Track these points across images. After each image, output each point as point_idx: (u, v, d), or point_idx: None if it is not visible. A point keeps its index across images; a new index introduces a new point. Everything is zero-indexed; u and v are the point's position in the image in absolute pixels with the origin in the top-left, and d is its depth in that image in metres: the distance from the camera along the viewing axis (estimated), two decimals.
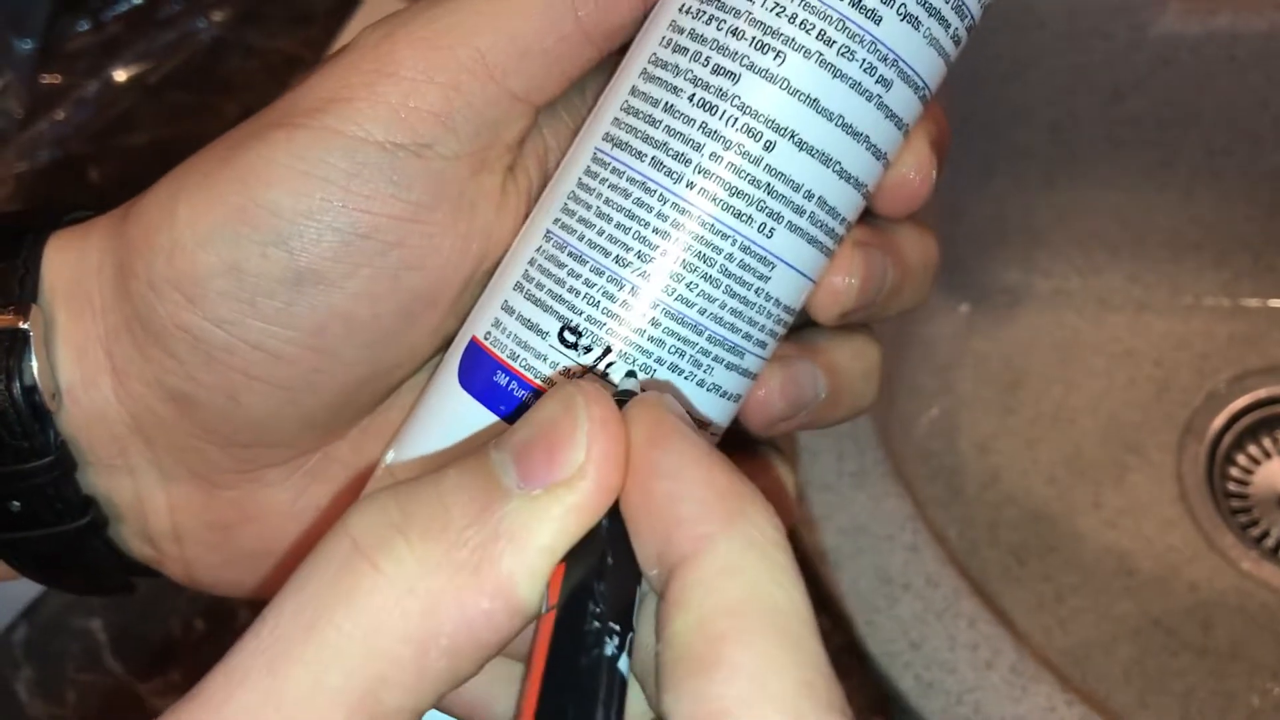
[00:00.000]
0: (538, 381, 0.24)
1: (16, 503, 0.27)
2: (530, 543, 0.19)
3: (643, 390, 0.24)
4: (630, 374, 0.24)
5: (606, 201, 0.24)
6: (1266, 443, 0.62)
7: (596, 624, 0.20)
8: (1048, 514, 0.62)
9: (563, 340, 0.24)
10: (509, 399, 0.24)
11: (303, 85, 0.25)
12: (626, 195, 0.24)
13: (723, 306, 0.24)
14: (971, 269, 0.65)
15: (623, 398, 0.22)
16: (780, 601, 0.18)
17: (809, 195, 0.24)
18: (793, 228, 0.24)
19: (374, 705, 0.18)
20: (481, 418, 0.25)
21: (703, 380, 0.25)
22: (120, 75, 0.63)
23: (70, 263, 0.27)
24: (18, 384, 0.26)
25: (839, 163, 0.24)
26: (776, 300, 0.25)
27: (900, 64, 0.24)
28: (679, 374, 0.25)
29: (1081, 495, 0.62)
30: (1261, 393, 0.63)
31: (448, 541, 0.19)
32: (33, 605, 0.52)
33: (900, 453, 0.62)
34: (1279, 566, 0.59)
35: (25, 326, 0.26)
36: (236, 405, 0.26)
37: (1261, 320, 0.64)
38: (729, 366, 0.25)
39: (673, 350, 0.24)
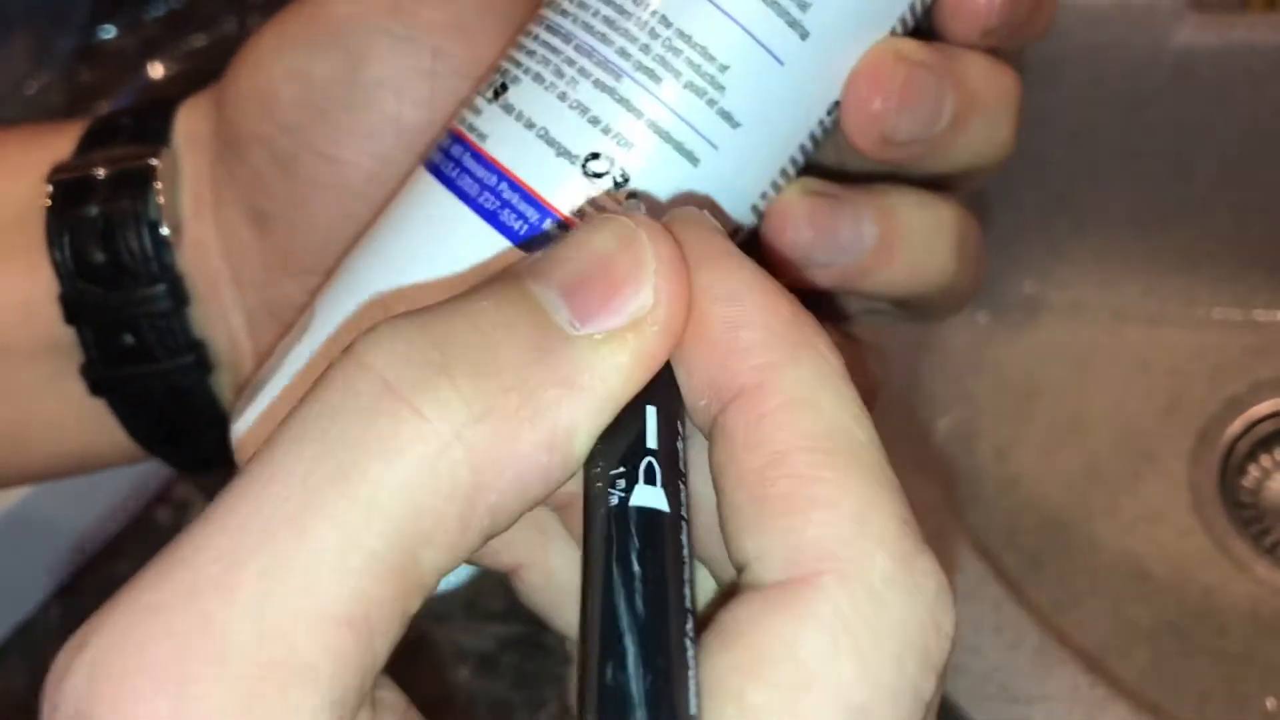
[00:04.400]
0: (469, 136, 0.24)
1: (130, 336, 0.29)
2: (596, 391, 0.17)
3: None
4: (632, 195, 0.23)
5: None
6: (1278, 454, 0.63)
7: (598, 474, 0.18)
8: (1064, 520, 0.62)
9: (493, 90, 0.24)
10: (459, 170, 0.24)
11: None
12: None
13: (595, 14, 0.23)
14: (990, 279, 0.66)
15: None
16: (861, 437, 0.18)
17: None
18: None
19: (411, 567, 0.16)
20: (443, 199, 0.24)
21: (564, 93, 0.23)
22: (157, 74, 0.65)
23: (190, 113, 0.30)
24: (145, 214, 0.29)
25: None
26: (664, 19, 0.23)
27: None
28: (540, 83, 0.23)
29: (1097, 502, 0.62)
30: (1275, 404, 0.63)
31: (499, 385, 0.17)
32: (67, 584, 0.52)
33: (918, 458, 0.63)
34: None
35: (154, 163, 0.29)
36: (306, 219, 0.28)
37: (1274, 333, 0.65)
38: (597, 84, 0.23)
39: (540, 59, 0.23)
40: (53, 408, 0.30)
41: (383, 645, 0.16)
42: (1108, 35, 0.58)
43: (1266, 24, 0.57)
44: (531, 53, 0.24)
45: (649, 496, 0.17)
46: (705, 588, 0.21)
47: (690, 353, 0.18)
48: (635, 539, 0.17)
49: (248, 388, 0.27)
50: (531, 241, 0.23)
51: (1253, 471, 0.62)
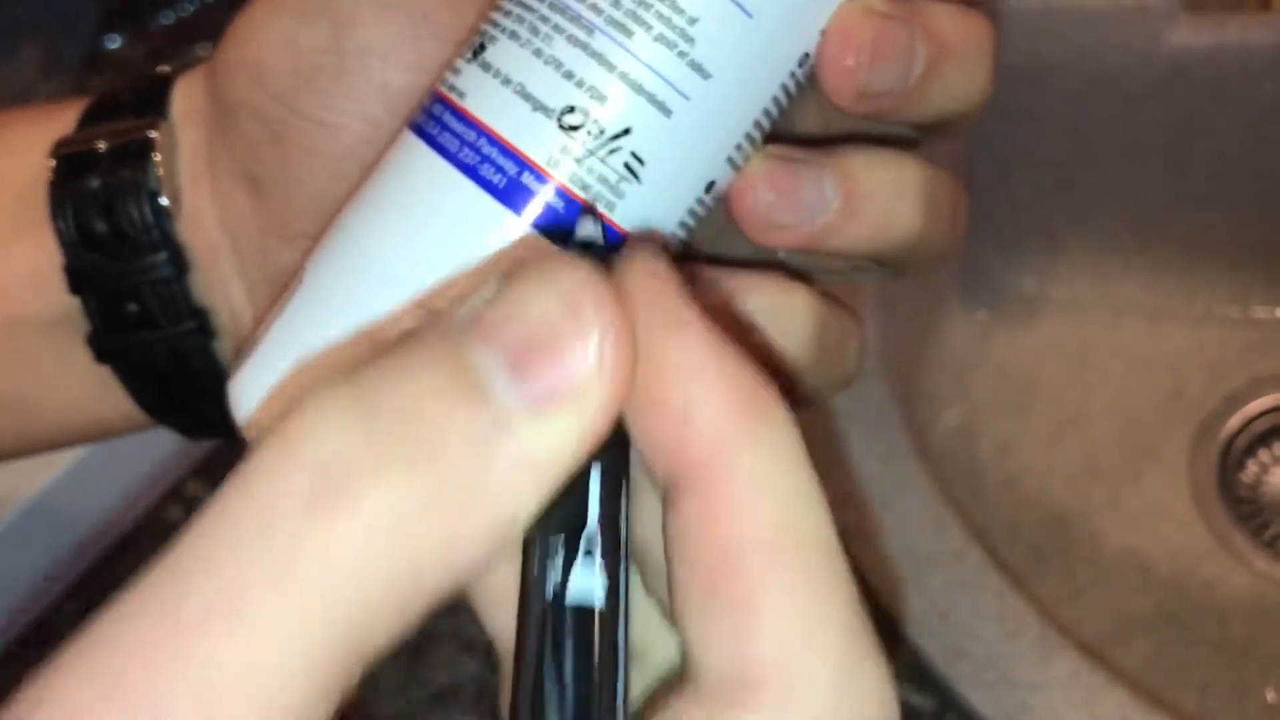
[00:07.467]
0: (449, 96, 0.24)
1: (133, 304, 0.30)
2: (537, 469, 0.17)
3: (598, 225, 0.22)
4: (588, 211, 0.23)
5: None
6: (1277, 448, 0.63)
7: (536, 547, 0.18)
8: (1066, 514, 0.63)
9: (472, 50, 0.25)
10: (439, 124, 0.25)
11: None
12: None
13: None
14: (990, 276, 0.67)
15: (585, 245, 0.22)
16: (812, 528, 0.17)
17: None
18: None
19: (355, 653, 0.16)
20: (421, 155, 0.25)
21: (539, 49, 0.23)
22: None
23: (186, 87, 0.31)
24: (145, 184, 0.30)
25: None
26: None
27: None
28: (517, 40, 0.24)
29: (1098, 496, 0.63)
30: (1272, 399, 0.64)
31: (439, 476, 0.16)
32: (79, 582, 0.53)
33: (920, 454, 0.64)
34: None
35: (153, 135, 0.30)
36: (299, 183, 0.28)
37: (1272, 329, 0.65)
38: (571, 40, 0.23)
39: (516, 18, 0.24)
40: (62, 378, 0.31)
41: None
42: (1102, 35, 0.58)
43: (1260, 23, 0.57)
44: (508, 12, 0.24)
45: (585, 580, 0.18)
46: (656, 656, 0.21)
47: (646, 425, 0.18)
48: (569, 640, 0.17)
49: (244, 346, 0.28)
50: (511, 195, 0.24)
51: (1251, 466, 0.63)
